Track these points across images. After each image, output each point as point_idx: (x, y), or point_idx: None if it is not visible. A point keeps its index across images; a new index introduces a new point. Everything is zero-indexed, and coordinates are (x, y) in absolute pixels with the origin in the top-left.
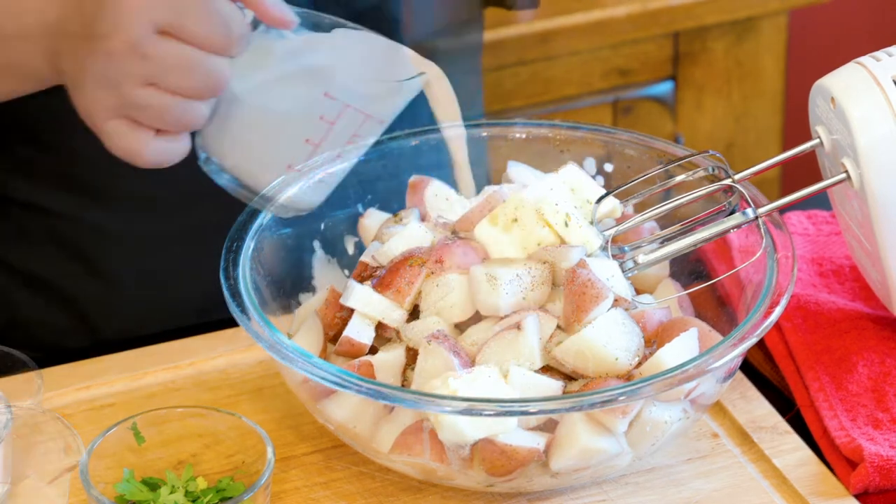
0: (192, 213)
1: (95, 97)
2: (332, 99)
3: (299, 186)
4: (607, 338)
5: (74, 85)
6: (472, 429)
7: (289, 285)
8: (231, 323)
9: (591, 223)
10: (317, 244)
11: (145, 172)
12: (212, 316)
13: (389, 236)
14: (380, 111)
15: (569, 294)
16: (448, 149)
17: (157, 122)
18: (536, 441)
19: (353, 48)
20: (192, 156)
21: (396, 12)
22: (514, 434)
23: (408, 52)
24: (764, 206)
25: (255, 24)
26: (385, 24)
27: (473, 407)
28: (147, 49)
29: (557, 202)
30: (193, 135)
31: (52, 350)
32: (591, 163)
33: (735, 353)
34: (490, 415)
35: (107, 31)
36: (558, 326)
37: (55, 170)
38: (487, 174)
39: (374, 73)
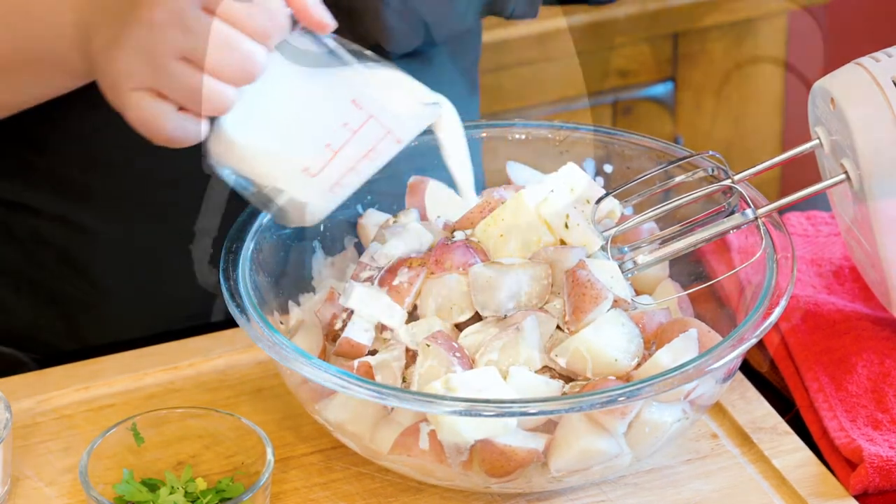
0: (184, 217)
1: (126, 67)
2: (358, 108)
3: (311, 192)
4: (607, 339)
5: (105, 59)
6: (472, 429)
7: (288, 286)
8: (230, 323)
9: (591, 224)
10: (316, 245)
11: (135, 174)
12: (200, 320)
13: (389, 237)
14: (399, 130)
15: (568, 295)
16: (452, 175)
17: (184, 99)
18: (536, 442)
19: (380, 70)
20: (186, 160)
21: (388, 20)
22: (513, 435)
23: (423, 87)
24: (763, 206)
25: (292, 25)
26: (379, 34)
27: (473, 408)
28: (190, 22)
29: (557, 203)
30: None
31: (42, 349)
32: (590, 163)
33: (734, 354)
34: (489, 415)
35: (153, 1)
36: (558, 327)
37: (43, 169)
38: (482, 175)
39: (397, 95)
